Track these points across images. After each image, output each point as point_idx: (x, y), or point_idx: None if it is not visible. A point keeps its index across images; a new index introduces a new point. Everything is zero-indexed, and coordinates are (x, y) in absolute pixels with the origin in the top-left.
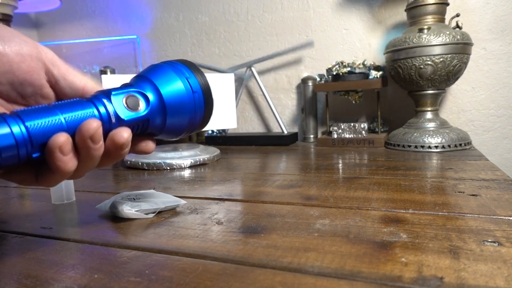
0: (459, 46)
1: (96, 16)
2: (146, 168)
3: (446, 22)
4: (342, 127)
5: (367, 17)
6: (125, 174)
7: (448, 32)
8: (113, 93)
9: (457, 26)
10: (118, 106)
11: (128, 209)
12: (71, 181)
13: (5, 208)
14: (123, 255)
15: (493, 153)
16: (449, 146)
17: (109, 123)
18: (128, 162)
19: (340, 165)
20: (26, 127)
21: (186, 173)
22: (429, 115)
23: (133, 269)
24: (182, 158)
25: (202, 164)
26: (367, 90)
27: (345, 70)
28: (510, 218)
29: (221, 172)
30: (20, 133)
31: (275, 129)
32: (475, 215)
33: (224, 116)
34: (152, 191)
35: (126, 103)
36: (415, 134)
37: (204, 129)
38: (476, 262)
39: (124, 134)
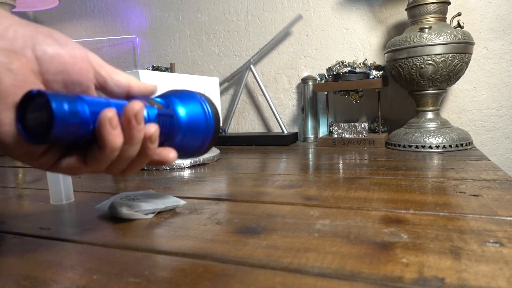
0: (460, 46)
1: (95, 15)
2: (145, 168)
3: (447, 21)
4: (343, 127)
5: (368, 17)
6: None
7: (449, 32)
8: (152, 98)
9: (459, 25)
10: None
11: (127, 210)
12: (70, 181)
13: (4, 208)
14: (123, 255)
15: (494, 153)
16: (450, 146)
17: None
18: None
19: (341, 165)
20: (88, 106)
21: (186, 173)
22: (430, 115)
23: (133, 270)
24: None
25: (202, 164)
26: (367, 90)
27: (345, 69)
28: (511, 218)
29: (221, 172)
30: (82, 108)
31: (275, 129)
32: (477, 216)
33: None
34: (151, 191)
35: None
36: (416, 134)
37: None
38: (477, 263)
39: (152, 128)
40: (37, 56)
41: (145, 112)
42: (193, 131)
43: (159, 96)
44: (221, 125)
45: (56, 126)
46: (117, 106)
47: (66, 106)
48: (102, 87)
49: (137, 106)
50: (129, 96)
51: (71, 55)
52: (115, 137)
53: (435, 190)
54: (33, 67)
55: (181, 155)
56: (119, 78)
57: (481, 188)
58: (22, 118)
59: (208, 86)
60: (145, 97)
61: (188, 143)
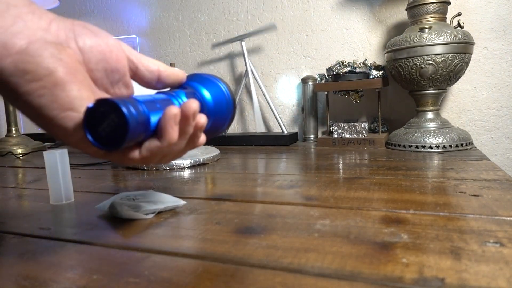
0: (461, 46)
1: (95, 15)
2: (145, 168)
3: (448, 21)
4: (343, 127)
5: (368, 16)
6: (124, 174)
7: (449, 31)
8: (181, 90)
9: (459, 25)
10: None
11: (127, 210)
12: (70, 181)
13: (4, 208)
14: (122, 256)
15: (494, 153)
16: (450, 146)
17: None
18: None
19: (341, 165)
20: (146, 107)
21: (186, 173)
22: (430, 115)
23: (132, 270)
24: (182, 158)
25: (202, 164)
26: (367, 90)
27: (345, 69)
28: (511, 218)
29: (221, 172)
30: (143, 112)
31: (275, 129)
32: (477, 216)
33: None
34: (151, 191)
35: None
36: (416, 134)
37: None
38: (477, 263)
39: (202, 118)
40: (79, 47)
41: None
42: (219, 112)
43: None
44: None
45: (130, 130)
46: (162, 102)
47: (133, 110)
48: (134, 73)
49: (194, 104)
50: (160, 82)
51: (107, 44)
52: (175, 132)
53: (435, 190)
54: (78, 57)
55: (210, 136)
56: (148, 64)
57: (481, 188)
58: (90, 129)
59: None
60: (178, 90)
61: (217, 124)
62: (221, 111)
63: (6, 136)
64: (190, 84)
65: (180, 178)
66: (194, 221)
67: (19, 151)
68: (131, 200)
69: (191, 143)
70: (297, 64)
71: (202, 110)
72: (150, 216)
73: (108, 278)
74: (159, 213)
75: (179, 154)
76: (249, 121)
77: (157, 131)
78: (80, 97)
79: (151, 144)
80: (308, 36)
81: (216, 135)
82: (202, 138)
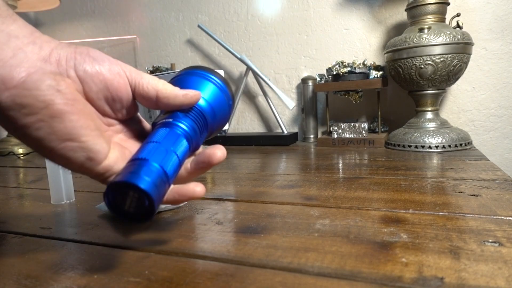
0: (460, 46)
1: (95, 15)
2: None
3: (447, 21)
4: (342, 127)
5: (367, 17)
6: None
7: (448, 32)
8: (179, 113)
9: (458, 25)
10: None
11: None
12: (71, 181)
13: (5, 208)
14: (123, 255)
15: (493, 153)
16: (449, 146)
17: (192, 139)
18: None
19: (340, 165)
20: (160, 166)
21: None
22: (429, 115)
23: (133, 270)
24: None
25: None
26: (367, 90)
27: (345, 70)
28: (510, 218)
29: (221, 172)
30: (161, 170)
31: (275, 129)
32: (476, 215)
33: None
34: None
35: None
36: (416, 134)
37: None
38: (476, 262)
39: (218, 152)
40: (79, 75)
41: (182, 137)
42: (220, 110)
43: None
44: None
45: (155, 200)
46: (168, 143)
47: (148, 179)
48: (136, 97)
49: (217, 157)
50: (160, 105)
51: (109, 71)
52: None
53: (434, 190)
54: (77, 87)
55: (213, 135)
56: (148, 90)
57: (480, 188)
58: (117, 207)
59: None
60: (176, 112)
61: (218, 124)
62: (221, 108)
63: (7, 136)
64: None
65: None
66: (194, 221)
67: (20, 151)
68: None
69: (200, 172)
70: (297, 65)
71: (203, 120)
72: None
73: (108, 278)
74: (159, 213)
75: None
76: (249, 121)
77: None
78: (79, 126)
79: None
80: (308, 36)
81: (219, 130)
82: (211, 151)
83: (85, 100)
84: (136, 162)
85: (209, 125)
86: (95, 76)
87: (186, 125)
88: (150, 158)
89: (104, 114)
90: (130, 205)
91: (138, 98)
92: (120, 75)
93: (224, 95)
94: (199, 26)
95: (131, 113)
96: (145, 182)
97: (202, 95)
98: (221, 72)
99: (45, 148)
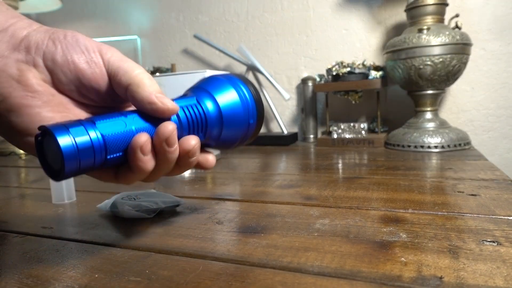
0: (459, 47)
1: (96, 16)
2: None
3: (446, 22)
4: (342, 127)
5: (367, 18)
6: None
7: (447, 33)
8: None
9: (457, 26)
10: (182, 116)
11: (128, 209)
12: (72, 181)
13: (6, 207)
14: (124, 254)
15: (492, 153)
16: (448, 146)
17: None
18: None
19: (340, 165)
20: (101, 134)
21: (186, 173)
22: (428, 115)
23: (134, 269)
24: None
25: None
26: (366, 90)
27: (345, 70)
28: (509, 218)
29: (221, 172)
30: (96, 139)
31: (275, 129)
32: (475, 215)
33: None
34: (152, 191)
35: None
36: (415, 134)
37: None
38: (475, 261)
39: (192, 141)
40: (47, 65)
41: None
42: (232, 121)
43: (189, 90)
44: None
45: (66, 161)
46: (136, 124)
47: (74, 141)
48: (117, 91)
49: (167, 130)
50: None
51: (84, 61)
52: (146, 163)
53: (433, 190)
54: (45, 77)
55: (223, 148)
56: (120, 79)
57: (479, 188)
58: (41, 153)
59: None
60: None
61: (227, 137)
62: (235, 120)
63: None
64: (198, 90)
65: (181, 178)
66: (194, 221)
67: (22, 151)
68: (132, 200)
69: (184, 166)
70: (297, 65)
71: (204, 119)
72: (151, 215)
73: (109, 277)
74: (160, 212)
75: (175, 173)
76: None
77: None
78: (38, 120)
79: (126, 174)
80: (308, 37)
81: (236, 146)
82: (211, 158)
83: (53, 91)
84: (79, 120)
85: (208, 131)
86: (65, 66)
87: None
88: (96, 121)
89: (80, 103)
90: (51, 157)
91: (114, 87)
92: (97, 64)
93: (243, 110)
94: (195, 36)
95: (117, 100)
96: (65, 136)
97: (218, 100)
98: (204, 74)
99: (13, 142)
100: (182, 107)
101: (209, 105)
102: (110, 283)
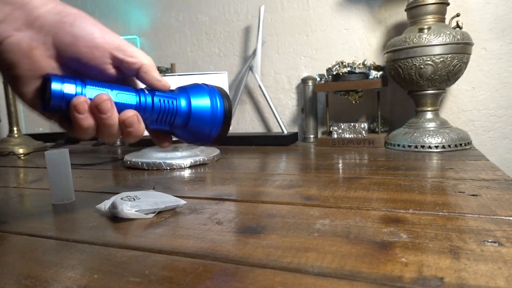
0: (459, 46)
1: (96, 15)
2: (146, 168)
3: (447, 22)
4: (342, 127)
5: (367, 17)
6: (125, 174)
7: (448, 32)
8: (157, 93)
9: (458, 26)
10: (156, 103)
11: (128, 209)
12: (71, 181)
13: (5, 208)
14: (123, 255)
15: (493, 153)
16: (449, 146)
17: (145, 111)
18: (128, 162)
19: (340, 165)
20: (84, 89)
21: (186, 173)
22: (429, 115)
23: (133, 269)
24: (182, 158)
25: (202, 164)
26: (367, 90)
27: (345, 70)
28: (510, 218)
29: (221, 172)
30: (80, 93)
31: (275, 129)
32: (476, 215)
33: None
34: (152, 191)
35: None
36: (415, 134)
37: None
38: (476, 262)
39: (129, 113)
40: (55, 44)
41: (136, 99)
42: (196, 123)
43: (177, 88)
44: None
45: (52, 101)
46: (121, 95)
47: (62, 88)
48: (118, 68)
49: (100, 99)
50: (140, 79)
51: (86, 45)
52: (81, 120)
53: (434, 190)
54: (51, 53)
55: (186, 140)
56: (132, 60)
57: (480, 188)
58: (43, 95)
59: (216, 83)
60: (155, 91)
61: (194, 129)
62: (202, 121)
63: (7, 136)
64: (182, 90)
65: (180, 178)
66: (194, 221)
67: (21, 151)
68: (132, 200)
69: (126, 135)
70: (297, 65)
71: (173, 110)
72: (151, 215)
73: (109, 278)
74: (160, 212)
75: (126, 138)
76: (249, 121)
77: None
78: (34, 90)
79: (72, 125)
80: (308, 36)
81: (199, 143)
82: (137, 129)
83: (56, 65)
84: (77, 77)
85: (174, 123)
86: (69, 48)
87: (145, 100)
88: (87, 84)
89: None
90: (46, 95)
91: (122, 69)
92: (99, 48)
93: (211, 115)
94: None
95: (110, 76)
96: (57, 86)
97: (192, 101)
98: (224, 75)
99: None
100: (159, 97)
101: (183, 102)
102: (110, 284)
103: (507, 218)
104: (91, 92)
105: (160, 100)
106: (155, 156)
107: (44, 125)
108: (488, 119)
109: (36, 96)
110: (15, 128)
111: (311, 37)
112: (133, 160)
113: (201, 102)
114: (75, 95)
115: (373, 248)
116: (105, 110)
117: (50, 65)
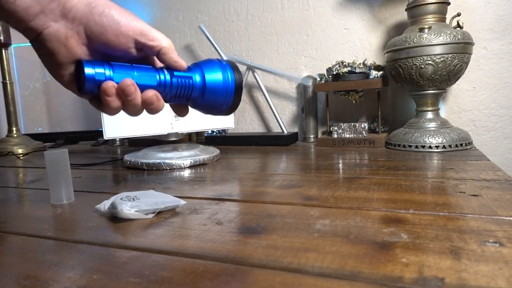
0: (460, 46)
1: None
2: (145, 168)
3: (447, 21)
4: (343, 127)
5: (368, 17)
6: (124, 174)
7: (449, 32)
8: (175, 73)
9: (458, 25)
10: (174, 81)
11: (127, 210)
12: (70, 181)
13: (4, 208)
14: (123, 255)
15: (494, 153)
16: (450, 146)
17: (164, 89)
18: (128, 162)
19: (341, 165)
20: (112, 76)
21: (186, 173)
22: (429, 115)
23: (133, 270)
24: (182, 158)
25: (202, 164)
26: (367, 90)
27: (345, 69)
28: (511, 218)
29: (221, 172)
30: (109, 76)
31: (275, 129)
32: (476, 216)
33: (222, 117)
34: (151, 191)
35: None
36: (416, 134)
37: (203, 129)
38: (477, 262)
39: (149, 93)
40: (87, 34)
41: (156, 79)
42: (210, 95)
43: (192, 64)
44: (242, 89)
45: (86, 84)
46: (142, 75)
47: (94, 74)
48: (141, 50)
49: (125, 84)
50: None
51: (113, 33)
52: (110, 102)
53: (435, 190)
54: (83, 41)
55: (202, 110)
56: (153, 44)
57: (481, 188)
58: (77, 78)
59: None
60: (174, 70)
61: (206, 103)
62: (215, 94)
63: (6, 136)
64: (195, 66)
65: (180, 178)
66: (194, 221)
67: (20, 151)
68: (131, 200)
69: (150, 110)
70: (297, 64)
71: (189, 84)
72: (150, 216)
73: (108, 278)
74: (159, 213)
75: (149, 112)
76: (249, 121)
77: None
78: (71, 73)
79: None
80: (308, 36)
81: (215, 113)
82: (157, 105)
83: (86, 52)
84: (105, 61)
85: (191, 98)
86: (98, 36)
87: (165, 78)
88: (113, 68)
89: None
90: (81, 78)
91: (144, 51)
92: (124, 35)
93: (223, 87)
94: (200, 27)
95: (135, 57)
96: (90, 70)
97: (206, 76)
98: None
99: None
100: (177, 77)
101: (197, 78)
102: (109, 284)
103: (508, 218)
104: (118, 76)
105: (177, 79)
106: (155, 156)
107: (43, 125)
108: (489, 119)
109: (72, 78)
110: (14, 128)
111: (311, 36)
112: (133, 160)
113: (214, 77)
114: (105, 80)
115: (373, 249)
116: (130, 93)
117: (83, 51)
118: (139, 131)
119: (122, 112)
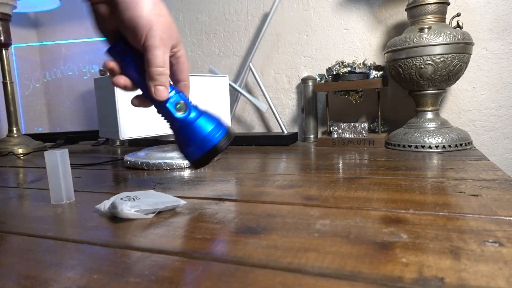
0: (460, 46)
1: None
2: (145, 168)
3: (447, 21)
4: (342, 127)
5: (368, 17)
6: (124, 174)
7: (448, 32)
8: (180, 94)
9: (458, 25)
10: (172, 99)
11: (127, 209)
12: (71, 181)
13: (4, 208)
14: (123, 255)
15: (494, 153)
16: (449, 146)
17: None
18: (128, 162)
19: (340, 165)
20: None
21: (186, 173)
22: (429, 115)
23: (133, 270)
24: (182, 158)
25: None
26: (367, 90)
27: (345, 70)
28: (511, 218)
29: (221, 172)
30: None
31: (275, 129)
32: (476, 216)
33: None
34: (151, 191)
35: (176, 104)
36: (416, 134)
37: None
38: (477, 262)
39: (122, 80)
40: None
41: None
42: (189, 134)
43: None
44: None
45: (110, 52)
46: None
47: (123, 51)
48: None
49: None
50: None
51: (132, 28)
52: (115, 80)
53: (434, 190)
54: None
55: (181, 144)
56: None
57: (481, 188)
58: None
59: (217, 86)
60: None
61: (184, 137)
62: (196, 134)
63: (7, 136)
64: (200, 109)
65: (180, 178)
66: (194, 221)
67: (20, 151)
68: (132, 200)
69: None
70: (297, 64)
71: (182, 120)
72: (150, 216)
73: (108, 278)
74: (159, 213)
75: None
76: (249, 121)
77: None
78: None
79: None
80: (308, 36)
81: (185, 152)
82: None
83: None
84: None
85: (177, 121)
86: (162, 24)
87: (177, 94)
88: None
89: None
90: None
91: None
92: (138, 30)
93: (207, 134)
94: (210, 69)
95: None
96: (118, 47)
97: (202, 115)
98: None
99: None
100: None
101: (193, 114)
102: (109, 284)
103: (507, 218)
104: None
105: (181, 95)
106: (155, 156)
107: (44, 125)
108: (489, 119)
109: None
110: (14, 128)
111: (311, 36)
112: (133, 160)
113: (206, 123)
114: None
115: (373, 249)
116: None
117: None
118: (153, 131)
119: (136, 113)
